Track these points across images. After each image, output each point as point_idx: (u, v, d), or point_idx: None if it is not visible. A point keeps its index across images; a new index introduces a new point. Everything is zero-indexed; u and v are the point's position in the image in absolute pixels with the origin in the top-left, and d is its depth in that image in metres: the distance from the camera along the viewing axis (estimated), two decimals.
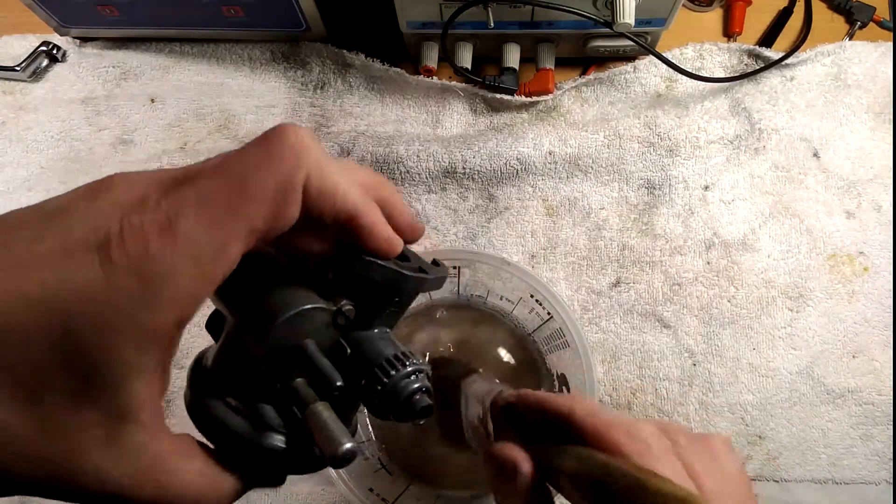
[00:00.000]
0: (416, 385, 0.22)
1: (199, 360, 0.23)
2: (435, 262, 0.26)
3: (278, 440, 0.21)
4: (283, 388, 0.21)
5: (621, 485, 0.20)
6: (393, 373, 0.22)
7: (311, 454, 0.22)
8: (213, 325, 0.24)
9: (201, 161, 0.20)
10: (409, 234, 0.24)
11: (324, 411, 0.20)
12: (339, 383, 0.21)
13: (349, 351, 0.22)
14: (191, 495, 0.20)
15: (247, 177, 0.18)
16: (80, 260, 0.16)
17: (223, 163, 0.19)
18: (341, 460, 0.19)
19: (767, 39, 0.52)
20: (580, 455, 0.22)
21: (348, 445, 0.19)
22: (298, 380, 0.21)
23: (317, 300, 0.21)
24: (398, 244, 0.23)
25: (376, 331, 0.24)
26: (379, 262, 0.22)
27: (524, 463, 0.23)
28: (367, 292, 0.23)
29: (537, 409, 0.25)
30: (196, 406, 0.21)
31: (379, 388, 0.22)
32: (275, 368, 0.21)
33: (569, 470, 0.22)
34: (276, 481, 0.23)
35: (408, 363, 0.22)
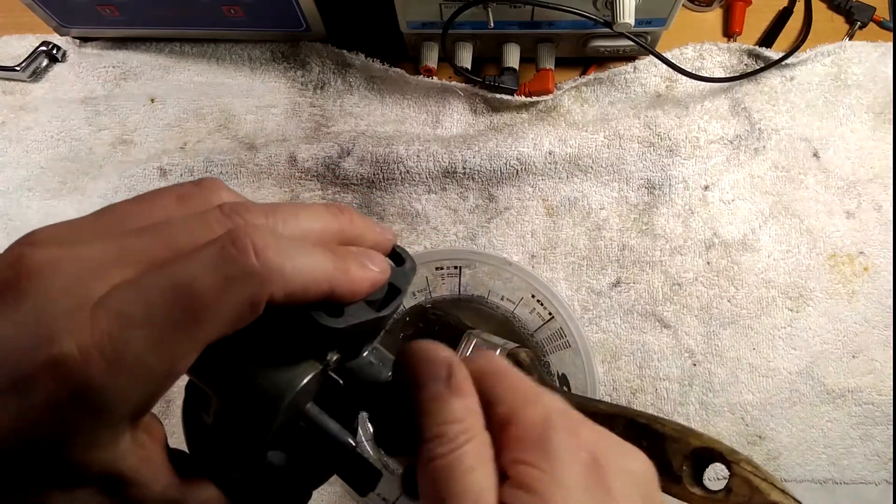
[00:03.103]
0: None
1: (196, 415, 0.22)
2: (395, 254, 0.23)
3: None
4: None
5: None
6: None
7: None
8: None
9: (131, 237, 0.17)
10: (384, 248, 0.22)
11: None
12: (352, 443, 0.21)
13: (342, 382, 0.22)
14: None
15: (203, 297, 0.16)
16: (13, 403, 0.15)
17: (168, 269, 0.16)
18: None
19: (767, 39, 0.52)
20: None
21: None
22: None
23: (309, 368, 0.20)
24: (381, 279, 0.20)
25: (364, 354, 0.23)
26: (360, 320, 0.20)
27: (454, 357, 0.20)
28: (350, 340, 0.22)
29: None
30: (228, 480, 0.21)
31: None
32: (278, 438, 0.20)
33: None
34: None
35: None
